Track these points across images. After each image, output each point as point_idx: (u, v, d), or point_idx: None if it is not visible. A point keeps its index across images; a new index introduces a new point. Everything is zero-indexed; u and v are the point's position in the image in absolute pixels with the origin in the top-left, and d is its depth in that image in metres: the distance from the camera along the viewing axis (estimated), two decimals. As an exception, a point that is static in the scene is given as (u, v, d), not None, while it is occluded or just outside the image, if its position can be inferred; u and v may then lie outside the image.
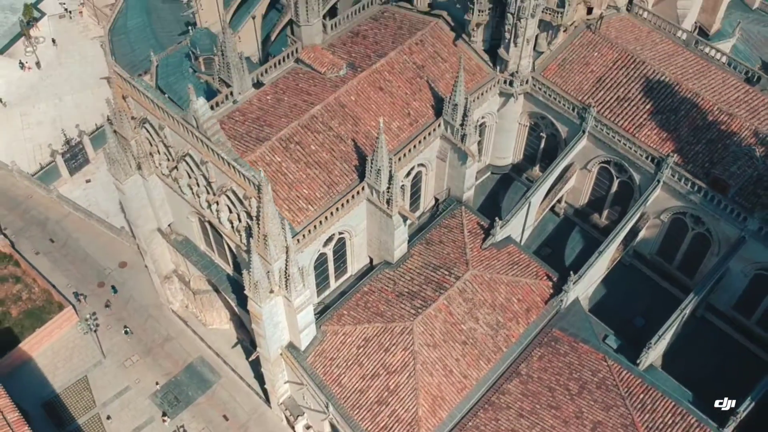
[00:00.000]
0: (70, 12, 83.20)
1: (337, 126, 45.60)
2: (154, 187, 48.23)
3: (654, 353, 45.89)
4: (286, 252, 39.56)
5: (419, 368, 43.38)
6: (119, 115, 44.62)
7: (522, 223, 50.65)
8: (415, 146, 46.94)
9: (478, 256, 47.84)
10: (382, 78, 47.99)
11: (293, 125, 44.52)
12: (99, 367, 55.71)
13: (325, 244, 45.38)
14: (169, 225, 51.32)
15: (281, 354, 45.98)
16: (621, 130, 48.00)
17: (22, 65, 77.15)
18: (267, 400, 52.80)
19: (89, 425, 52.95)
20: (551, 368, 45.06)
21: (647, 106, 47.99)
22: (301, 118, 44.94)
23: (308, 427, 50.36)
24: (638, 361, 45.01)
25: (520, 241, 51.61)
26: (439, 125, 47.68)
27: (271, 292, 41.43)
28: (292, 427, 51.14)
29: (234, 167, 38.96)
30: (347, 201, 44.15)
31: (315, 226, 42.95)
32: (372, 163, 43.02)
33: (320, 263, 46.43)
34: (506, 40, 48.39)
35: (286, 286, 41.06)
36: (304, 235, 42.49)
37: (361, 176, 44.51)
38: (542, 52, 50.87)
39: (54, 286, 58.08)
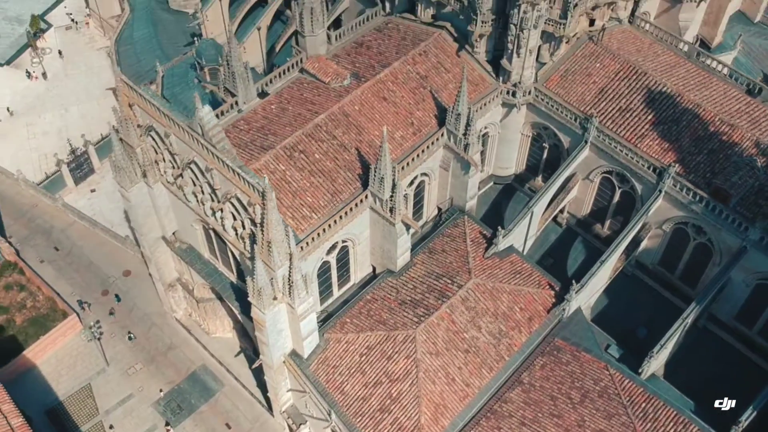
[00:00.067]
0: (76, 23, 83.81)
1: (340, 135, 45.93)
2: (159, 194, 48.43)
3: (656, 363, 45.91)
4: (290, 259, 39.67)
5: (422, 376, 43.45)
6: (125, 123, 44.90)
7: (524, 232, 50.82)
8: (418, 155, 47.23)
9: (481, 265, 47.99)
10: (385, 88, 48.39)
11: (297, 134, 44.87)
12: (102, 374, 55.74)
13: (329, 252, 45.58)
14: (173, 233, 51.52)
15: (284, 362, 46.02)
16: (623, 140, 48.25)
17: (29, 75, 77.67)
18: (270, 409, 52.79)
19: (92, 433, 53.03)
20: (553, 377, 45.10)
21: (649, 117, 48.26)
22: (305, 127, 45.28)
23: (311, 436, 50.41)
24: (640, 371, 45.04)
25: (523, 250, 51.73)
26: (442, 135, 48.00)
27: (275, 299, 41.49)
28: (295, 436, 51.19)
29: (239, 174, 39.17)
30: (351, 209, 44.38)
31: (318, 234, 43.17)
32: (375, 172, 43.27)
33: (323, 271, 46.59)
34: (509, 51, 48.79)
35: (290, 293, 41.13)
36: (307, 243, 42.71)
37: (365, 185, 44.75)
38: (545, 63, 51.28)
39: (58, 294, 58.21)
